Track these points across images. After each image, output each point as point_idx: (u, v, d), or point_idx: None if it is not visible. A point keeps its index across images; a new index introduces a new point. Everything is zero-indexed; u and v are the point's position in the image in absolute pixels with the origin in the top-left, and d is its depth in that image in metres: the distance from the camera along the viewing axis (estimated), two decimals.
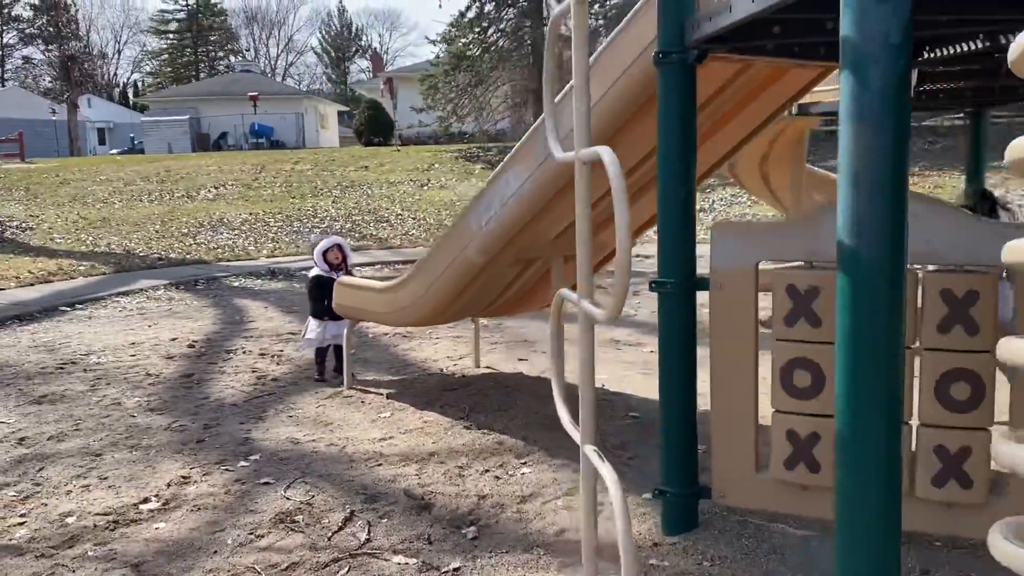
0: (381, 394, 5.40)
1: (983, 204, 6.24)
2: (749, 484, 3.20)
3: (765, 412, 3.19)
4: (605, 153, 1.87)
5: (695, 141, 3.11)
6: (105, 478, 4.07)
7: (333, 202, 18.72)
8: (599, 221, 4.59)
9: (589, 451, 2.28)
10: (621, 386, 5.43)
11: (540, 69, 23.81)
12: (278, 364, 6.43)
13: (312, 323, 5.81)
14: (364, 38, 76.93)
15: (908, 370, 3.01)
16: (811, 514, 3.14)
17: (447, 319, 5.37)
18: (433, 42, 29.27)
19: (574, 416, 2.20)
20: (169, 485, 3.96)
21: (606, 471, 2.03)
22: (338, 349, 5.82)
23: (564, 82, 3.56)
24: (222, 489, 3.89)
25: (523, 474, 3.94)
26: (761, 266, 3.14)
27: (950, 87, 5.98)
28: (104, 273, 11.67)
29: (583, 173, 2.21)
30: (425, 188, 20.18)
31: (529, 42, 24.38)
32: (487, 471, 3.99)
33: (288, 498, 3.75)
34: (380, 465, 4.13)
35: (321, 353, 5.90)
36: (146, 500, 3.79)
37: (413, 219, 16.61)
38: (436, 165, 22.86)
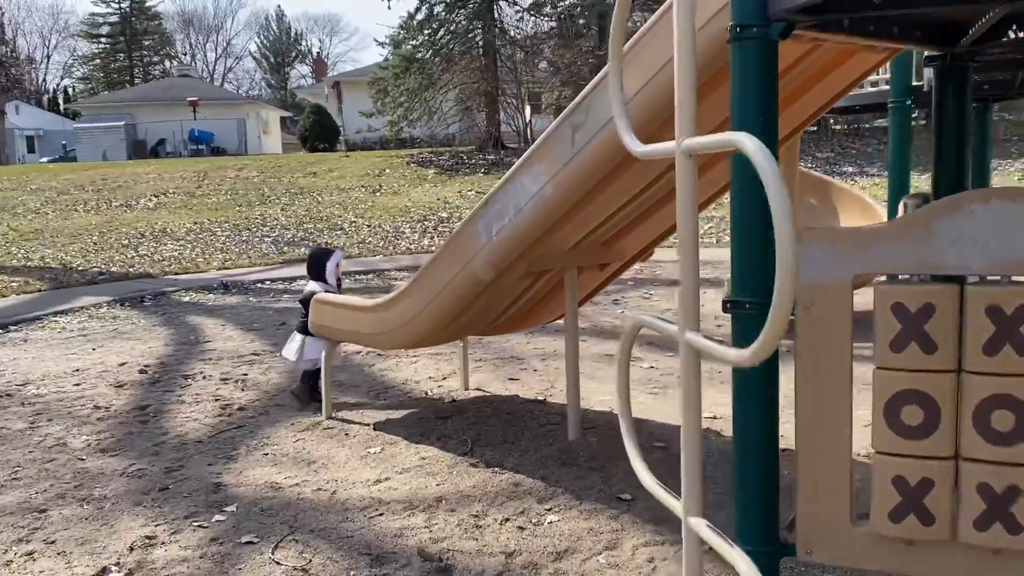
0: (367, 424, 4.82)
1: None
2: (843, 538, 2.71)
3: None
4: (748, 140, 1.40)
5: (776, 133, 2.62)
6: (52, 542, 3.43)
7: (282, 210, 17.96)
8: (622, 226, 4.10)
9: (699, 526, 1.77)
10: (634, 410, 4.93)
11: (490, 71, 23.35)
12: (243, 390, 5.79)
13: (312, 340, 5.10)
14: (304, 43, 75.66)
15: (952, 397, 2.61)
16: (919, 574, 2.67)
17: (445, 340, 4.83)
18: (381, 44, 28.58)
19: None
20: (132, 549, 3.33)
21: (742, 562, 1.55)
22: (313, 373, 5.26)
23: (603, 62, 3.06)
24: (197, 552, 3.28)
25: (551, 523, 3.41)
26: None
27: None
28: (40, 290, 10.79)
29: (688, 168, 1.71)
30: (378, 194, 19.53)
31: (480, 44, 23.87)
32: (508, 520, 3.45)
33: (278, 562, 3.16)
34: (381, 515, 3.56)
35: (317, 374, 5.35)
36: (105, 571, 3.16)
37: (368, 227, 15.96)
38: (387, 170, 22.21)
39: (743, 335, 2.72)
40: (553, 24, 22.97)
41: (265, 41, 73.64)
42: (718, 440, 4.29)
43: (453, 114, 24.08)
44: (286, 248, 14.13)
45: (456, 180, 20.41)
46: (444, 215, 16.58)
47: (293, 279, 11.10)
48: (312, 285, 5.31)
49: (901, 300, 2.55)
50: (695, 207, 1.75)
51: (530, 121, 23.07)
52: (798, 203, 7.80)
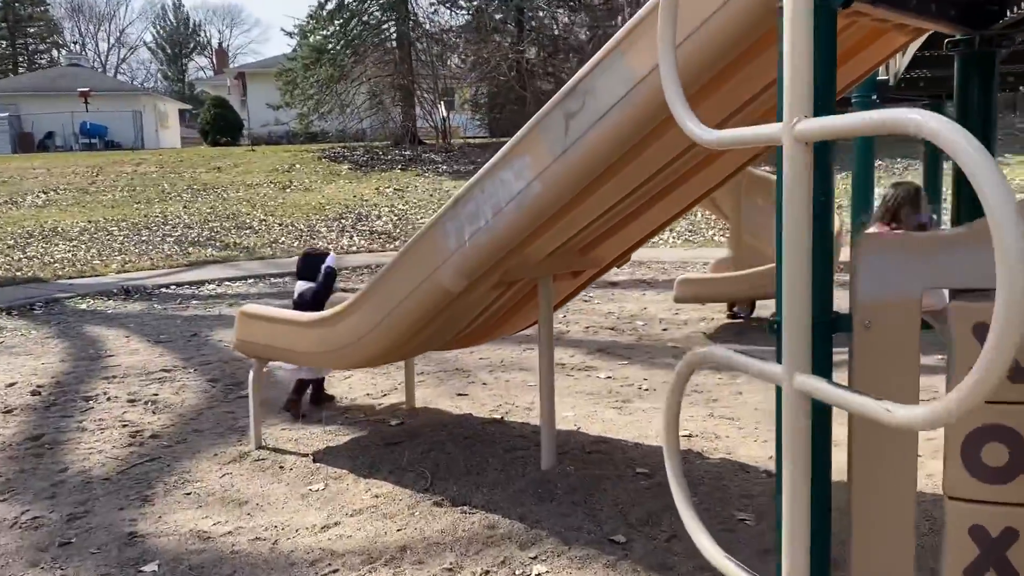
0: (304, 455, 4.23)
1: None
2: None
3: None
4: (932, 120, 0.98)
5: (833, 112, 2.19)
6: None
7: (184, 207, 16.91)
8: (604, 230, 3.65)
9: None
10: (600, 427, 4.50)
11: (406, 64, 22.65)
12: (155, 413, 5.10)
13: None
14: (203, 34, 72.88)
15: None
16: None
17: (399, 358, 4.29)
18: (289, 34, 27.47)
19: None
20: None
21: None
22: (318, 381, 5.07)
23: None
24: None
25: (539, 575, 2.93)
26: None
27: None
28: None
29: (799, 158, 1.29)
30: (288, 191, 18.64)
31: (394, 36, 23.15)
32: (488, 573, 2.95)
33: None
34: (335, 571, 3.01)
35: (303, 386, 4.97)
36: None
37: (280, 225, 15.12)
38: (297, 166, 21.28)
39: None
40: (468, 17, 22.45)
41: (161, 31, 70.52)
42: (702, 464, 3.89)
43: (366, 108, 23.28)
44: (191, 249, 13.21)
45: (372, 176, 19.68)
46: (362, 212, 15.88)
47: (201, 283, 10.28)
48: (303, 285, 5.00)
49: (984, 320, 2.15)
50: (807, 212, 1.32)
51: (446, 116, 22.50)
52: (745, 205, 7.54)
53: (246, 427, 4.76)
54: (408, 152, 21.83)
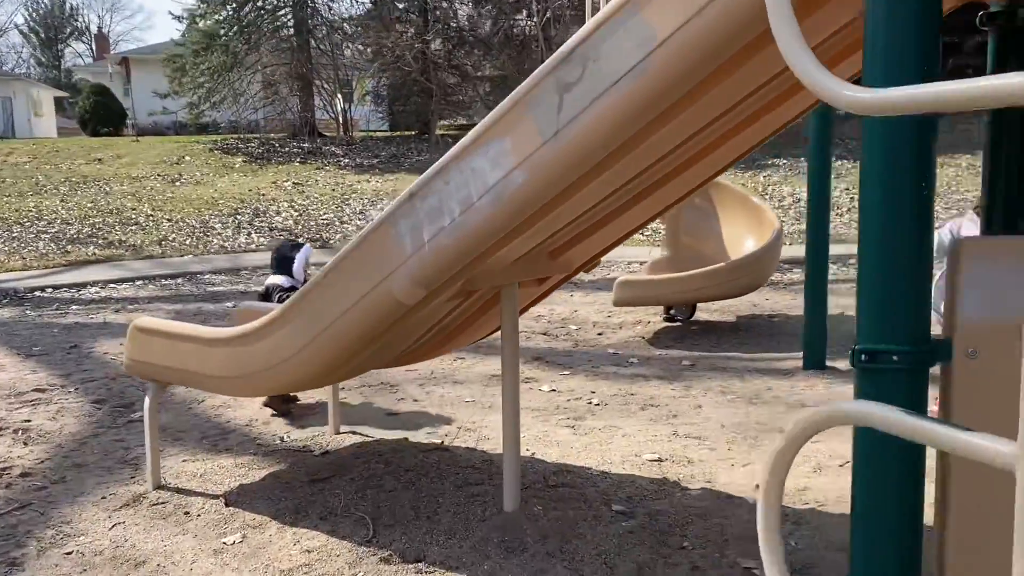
0: (214, 496, 3.55)
1: None
2: None
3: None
4: None
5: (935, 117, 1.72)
6: None
7: (62, 201, 15.55)
8: (580, 230, 3.12)
9: None
10: (557, 452, 3.97)
11: (304, 53, 21.62)
12: (26, 445, 4.30)
13: None
14: (81, 19, 68.94)
15: None
16: None
17: (331, 382, 3.65)
18: (178, 18, 25.90)
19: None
20: None
21: None
22: None
23: None
24: None
25: None
26: None
27: None
28: None
29: None
30: (177, 184, 17.42)
31: (291, 23, 22.08)
32: None
33: None
34: None
35: None
36: None
37: (170, 221, 14.02)
38: (187, 158, 19.99)
39: (879, 393, 1.82)
40: (370, 5, 21.59)
41: (34, 14, 66.21)
42: (683, 496, 3.41)
43: (261, 98, 22.12)
44: (70, 247, 12.04)
45: (268, 169, 18.63)
46: (260, 207, 14.91)
47: (82, 285, 9.26)
48: (276, 278, 4.80)
49: None
50: None
51: (347, 108, 21.57)
52: (684, 207, 7.17)
53: (140, 458, 4.05)
54: (307, 145, 20.83)
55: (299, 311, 2.90)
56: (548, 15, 20.17)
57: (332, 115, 22.18)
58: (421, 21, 20.95)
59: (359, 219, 14.21)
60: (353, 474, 3.72)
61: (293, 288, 4.81)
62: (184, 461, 4.04)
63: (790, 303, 7.74)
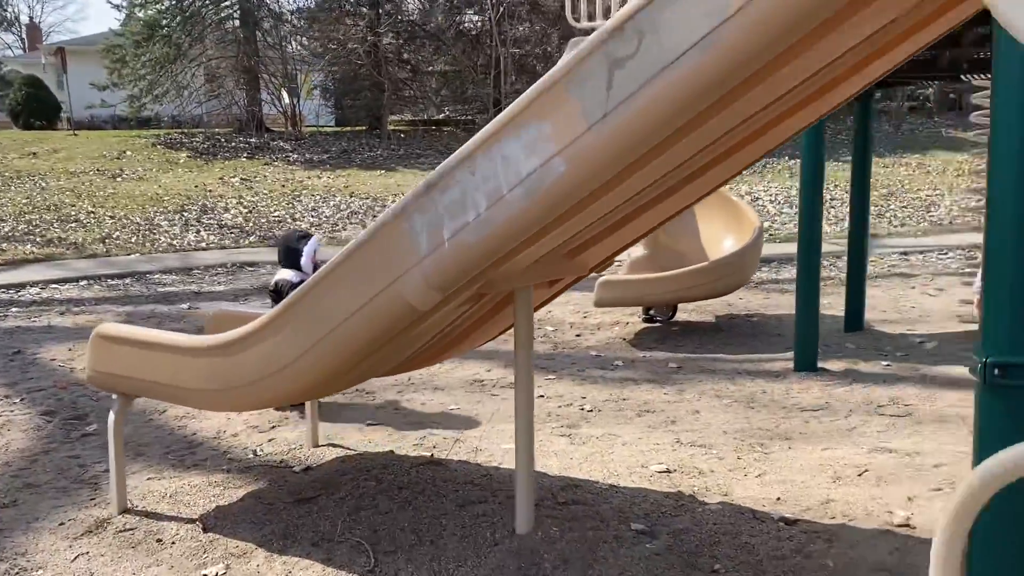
0: (189, 520, 3.20)
1: None
2: None
3: None
4: None
5: None
6: None
7: None
8: (604, 227, 2.86)
9: None
10: (558, 463, 3.72)
11: (250, 45, 20.99)
12: None
13: None
14: (10, 9, 66.38)
15: None
16: None
17: (331, 392, 3.33)
18: (117, 7, 24.93)
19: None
20: None
21: None
22: None
23: None
24: None
25: None
26: None
27: None
28: None
29: None
30: (119, 180, 16.71)
31: (237, 14, 21.43)
32: None
33: None
34: None
35: None
36: None
37: (112, 218, 13.39)
38: (129, 152, 19.24)
39: (1007, 411, 1.60)
40: None
41: None
42: (703, 511, 3.18)
43: (206, 91, 21.42)
44: (5, 245, 11.38)
45: (215, 165, 18.00)
46: (207, 204, 14.36)
47: (20, 286, 8.70)
48: (284, 273, 4.57)
49: None
50: None
51: (296, 103, 20.98)
52: None
53: (99, 477, 3.69)
54: (254, 139, 20.21)
55: (294, 316, 2.59)
56: (502, 9, 19.91)
57: (280, 110, 21.57)
58: (373, 14, 20.48)
59: (311, 216, 13.77)
60: (342, 493, 3.41)
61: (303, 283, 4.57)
62: (150, 479, 3.68)
63: (764, 302, 7.61)
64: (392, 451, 3.97)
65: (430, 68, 23.76)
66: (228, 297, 7.89)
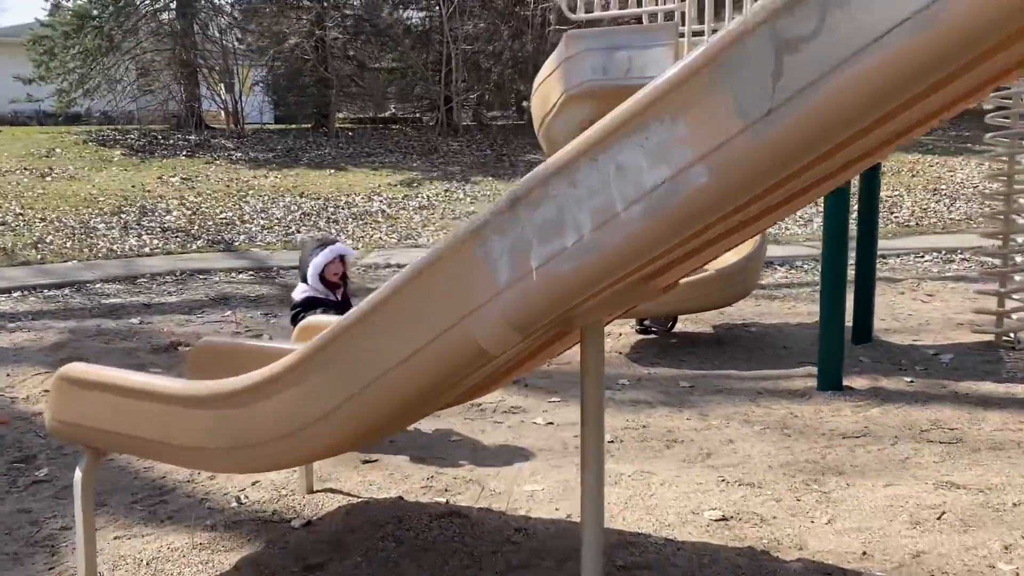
0: None
1: None
2: None
3: None
4: None
5: None
6: None
7: None
8: (689, 250, 2.41)
9: None
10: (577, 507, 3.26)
11: (188, 38, 20.02)
12: None
13: None
14: None
15: None
16: None
17: (356, 447, 2.81)
18: None
19: None
20: None
21: None
22: None
23: None
24: None
25: None
26: None
27: None
28: None
29: None
30: (48, 179, 15.70)
31: (173, 5, 20.44)
32: None
33: None
34: None
35: None
36: None
37: (43, 220, 12.47)
38: (58, 150, 18.15)
39: None
40: None
41: None
42: (786, 574, 2.76)
43: (141, 86, 20.36)
44: None
45: (152, 163, 17.07)
46: (147, 205, 13.51)
47: None
48: (296, 289, 4.24)
49: None
50: None
51: (239, 99, 20.06)
52: None
53: (57, 538, 3.12)
54: (193, 137, 19.27)
55: (327, 360, 2.08)
56: (453, 5, 19.37)
57: (221, 106, 20.64)
58: (319, 7, 19.72)
59: (261, 218, 13.06)
60: (357, 556, 2.90)
61: (310, 301, 4.04)
62: (117, 539, 3.12)
63: (758, 310, 7.28)
64: (401, 497, 3.47)
65: (376, 65, 23.08)
66: (182, 310, 7.23)
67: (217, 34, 20.56)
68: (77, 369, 2.60)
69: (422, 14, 22.41)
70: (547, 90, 5.95)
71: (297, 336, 3.42)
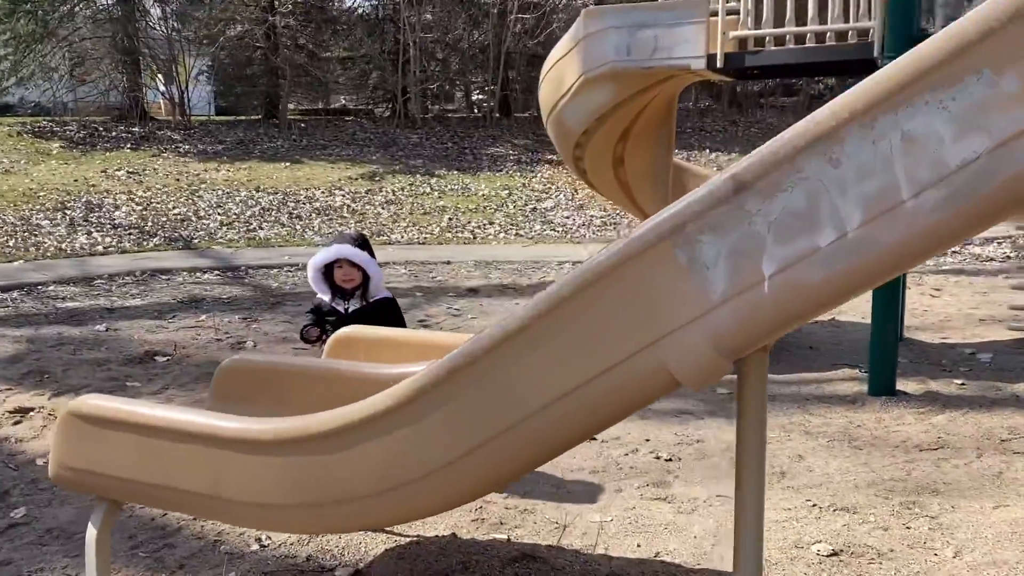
0: None
1: None
2: None
3: None
4: None
5: None
6: None
7: None
8: None
9: None
10: (692, 550, 2.83)
11: (131, 24, 19.01)
12: None
13: None
14: None
15: None
16: None
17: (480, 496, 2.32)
18: None
19: None
20: None
21: None
22: None
23: None
24: None
25: None
26: None
27: None
28: None
29: None
30: None
31: None
32: None
33: None
34: None
35: None
36: None
37: None
38: None
39: None
40: None
41: None
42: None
43: (80, 74, 19.28)
44: None
45: (95, 157, 16.12)
46: (92, 201, 12.67)
47: None
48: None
49: None
50: None
51: (184, 89, 19.09)
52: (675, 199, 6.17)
53: None
54: (137, 129, 18.30)
55: (458, 391, 1.61)
56: None
57: (167, 96, 19.68)
58: None
59: (218, 213, 12.33)
60: None
61: (319, 312, 3.50)
62: None
63: None
64: (454, 534, 2.99)
65: (327, 54, 22.34)
66: (150, 314, 6.58)
67: (160, 20, 19.57)
68: (92, 403, 2.07)
69: (375, 0, 21.75)
70: (560, 72, 5.48)
71: (331, 349, 2.91)
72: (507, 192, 14.14)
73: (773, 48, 4.87)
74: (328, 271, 3.55)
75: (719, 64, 4.87)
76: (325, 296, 3.63)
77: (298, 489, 1.77)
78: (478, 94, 24.00)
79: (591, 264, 1.49)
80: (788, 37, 4.87)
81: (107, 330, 5.99)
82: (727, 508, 3.18)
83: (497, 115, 20.01)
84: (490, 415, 1.57)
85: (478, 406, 1.58)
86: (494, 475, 1.65)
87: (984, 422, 4.09)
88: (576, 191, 14.04)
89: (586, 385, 1.49)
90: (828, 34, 4.78)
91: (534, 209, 13.01)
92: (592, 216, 12.39)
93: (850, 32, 4.78)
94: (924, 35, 4.47)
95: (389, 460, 1.67)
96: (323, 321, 3.58)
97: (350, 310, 3.58)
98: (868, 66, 4.50)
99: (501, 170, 16.03)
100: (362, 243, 3.57)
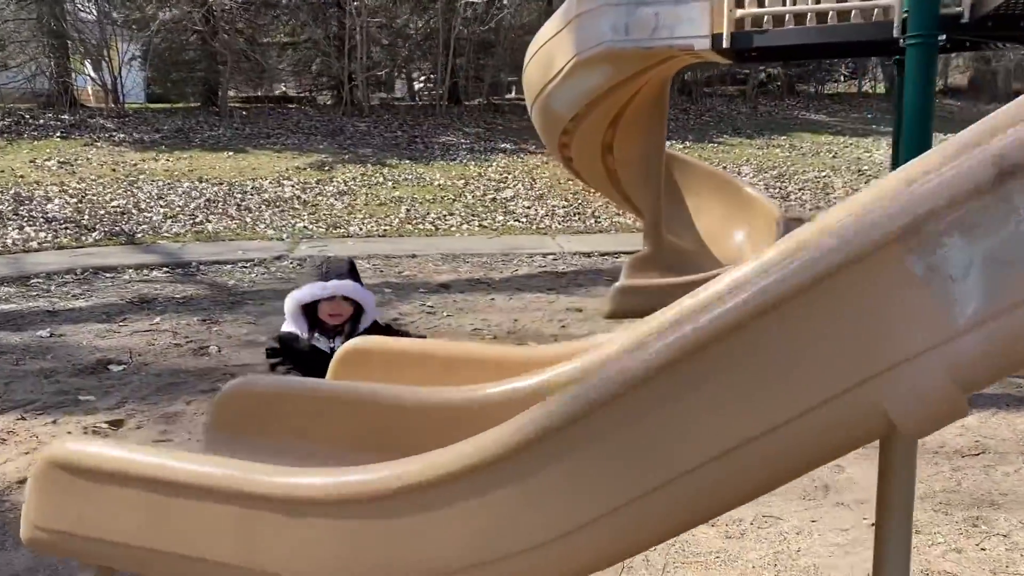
0: None
1: None
2: None
3: None
4: None
5: None
6: None
7: None
8: None
9: None
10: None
11: (59, 6, 17.99)
12: None
13: None
14: None
15: None
16: None
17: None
18: None
19: None
20: None
21: None
22: None
23: None
24: None
25: None
26: None
27: None
28: None
29: None
30: None
31: None
32: None
33: None
34: None
35: None
36: None
37: None
38: None
39: None
40: None
41: None
42: None
43: (1, 58, 18.16)
44: None
45: (21, 146, 15.18)
46: (21, 193, 11.87)
47: None
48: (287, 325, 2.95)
49: None
50: None
51: (117, 75, 18.11)
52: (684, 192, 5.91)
53: None
54: (67, 116, 17.33)
55: (591, 435, 1.24)
56: None
57: (98, 82, 18.70)
58: None
59: (160, 205, 11.66)
60: None
61: (291, 351, 2.87)
62: None
63: None
64: None
65: (267, 39, 21.55)
66: (98, 317, 6.01)
67: (90, 1, 18.58)
68: (77, 449, 1.64)
69: None
70: (549, 54, 5.12)
71: (337, 368, 2.44)
72: (463, 182, 13.71)
73: (786, 27, 4.58)
74: (310, 304, 2.96)
75: (725, 44, 4.58)
76: (299, 330, 2.93)
77: (354, 560, 1.39)
78: (424, 81, 23.48)
79: (775, 279, 1.14)
80: (808, 16, 4.56)
81: (51, 336, 5.43)
82: (777, 530, 2.89)
83: (446, 103, 19.53)
84: (642, 467, 1.21)
85: (624, 455, 1.22)
86: (624, 546, 1.29)
87: (1017, 423, 3.89)
88: (534, 181, 13.71)
89: (775, 431, 1.14)
90: (831, 13, 4.51)
91: (493, 199, 12.62)
92: (554, 206, 12.06)
93: (853, 12, 4.52)
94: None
95: (490, 526, 1.30)
96: (301, 363, 2.85)
97: (337, 349, 2.58)
98: (887, 47, 4.25)
99: (455, 159, 15.59)
100: (351, 269, 3.01)
